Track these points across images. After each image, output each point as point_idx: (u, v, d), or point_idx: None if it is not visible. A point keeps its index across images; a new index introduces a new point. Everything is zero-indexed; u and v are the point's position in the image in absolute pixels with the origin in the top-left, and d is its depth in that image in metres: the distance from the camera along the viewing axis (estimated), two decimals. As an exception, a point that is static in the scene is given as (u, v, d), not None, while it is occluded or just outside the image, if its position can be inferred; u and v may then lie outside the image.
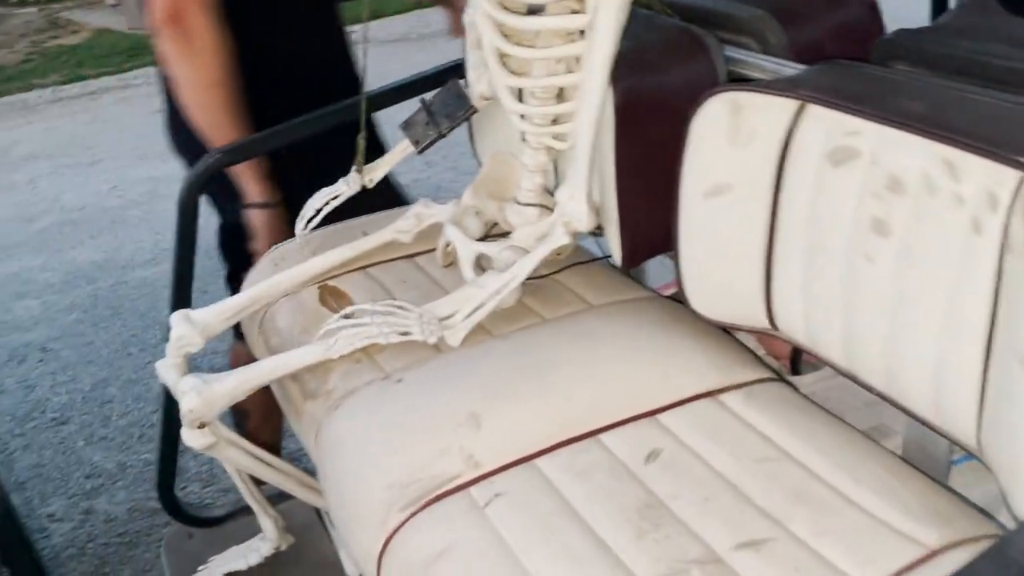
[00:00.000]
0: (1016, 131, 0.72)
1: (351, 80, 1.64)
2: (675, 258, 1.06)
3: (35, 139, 6.06)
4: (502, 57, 1.14)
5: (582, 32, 1.04)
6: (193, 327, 1.25)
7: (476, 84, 1.34)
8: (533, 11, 1.12)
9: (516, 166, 1.40)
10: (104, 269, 3.87)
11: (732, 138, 0.92)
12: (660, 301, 1.26)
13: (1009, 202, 0.68)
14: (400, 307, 1.17)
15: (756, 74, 1.10)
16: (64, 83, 7.40)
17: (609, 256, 1.38)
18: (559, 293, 1.29)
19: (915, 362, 0.81)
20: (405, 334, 1.14)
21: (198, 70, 1.41)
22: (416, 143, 1.39)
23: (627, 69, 1.04)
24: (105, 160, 5.37)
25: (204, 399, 1.09)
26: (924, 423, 0.86)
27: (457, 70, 1.47)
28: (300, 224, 1.45)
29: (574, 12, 1.08)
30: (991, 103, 0.80)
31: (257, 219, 1.52)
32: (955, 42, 0.96)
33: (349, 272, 1.40)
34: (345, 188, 1.44)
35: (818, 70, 0.93)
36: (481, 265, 1.28)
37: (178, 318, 1.25)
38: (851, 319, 0.88)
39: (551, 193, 1.31)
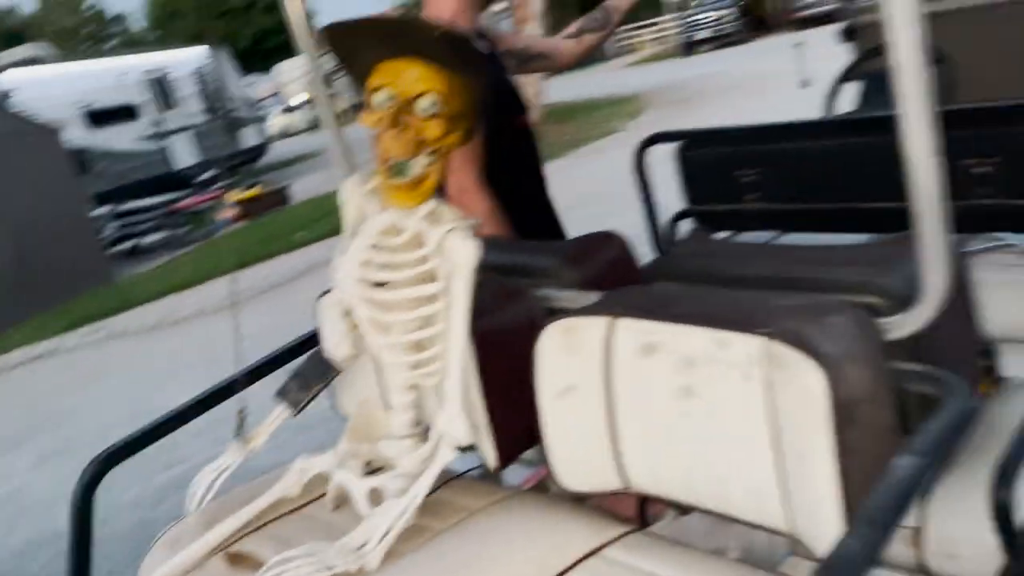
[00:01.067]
0: (753, 314, 1.13)
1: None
2: (542, 448, 1.35)
3: None
4: (371, 321, 1.43)
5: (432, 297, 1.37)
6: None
7: (338, 348, 1.60)
8: (381, 285, 1.44)
9: (378, 411, 1.66)
10: None
11: (568, 351, 1.27)
12: (526, 493, 1.53)
13: (761, 357, 1.07)
14: (318, 549, 1.33)
15: (562, 303, 1.49)
16: None
17: (475, 468, 1.65)
18: (444, 506, 1.51)
19: (736, 479, 1.14)
20: (331, 568, 1.30)
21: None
22: (294, 405, 1.60)
23: (474, 318, 1.37)
24: None
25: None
26: (753, 525, 1.18)
27: (313, 339, 1.73)
28: (192, 503, 1.56)
29: (423, 282, 1.41)
30: (730, 297, 1.23)
31: None
32: (691, 263, 1.42)
33: (247, 535, 1.52)
34: (231, 459, 1.59)
35: (615, 294, 1.32)
36: (374, 498, 1.48)
37: None
38: (683, 462, 1.21)
39: (418, 424, 1.57)
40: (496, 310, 1.45)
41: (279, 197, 12.63)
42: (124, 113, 14.08)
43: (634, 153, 2.37)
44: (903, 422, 1.10)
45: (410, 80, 1.28)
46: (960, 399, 1.03)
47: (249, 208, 12.36)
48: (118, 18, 43.30)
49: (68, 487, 4.76)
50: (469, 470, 1.70)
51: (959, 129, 1.89)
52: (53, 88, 12.85)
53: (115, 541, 3.56)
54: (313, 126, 31.78)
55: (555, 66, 2.53)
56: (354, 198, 1.47)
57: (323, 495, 1.60)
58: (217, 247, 10.62)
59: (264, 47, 36.93)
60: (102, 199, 11.30)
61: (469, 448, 1.50)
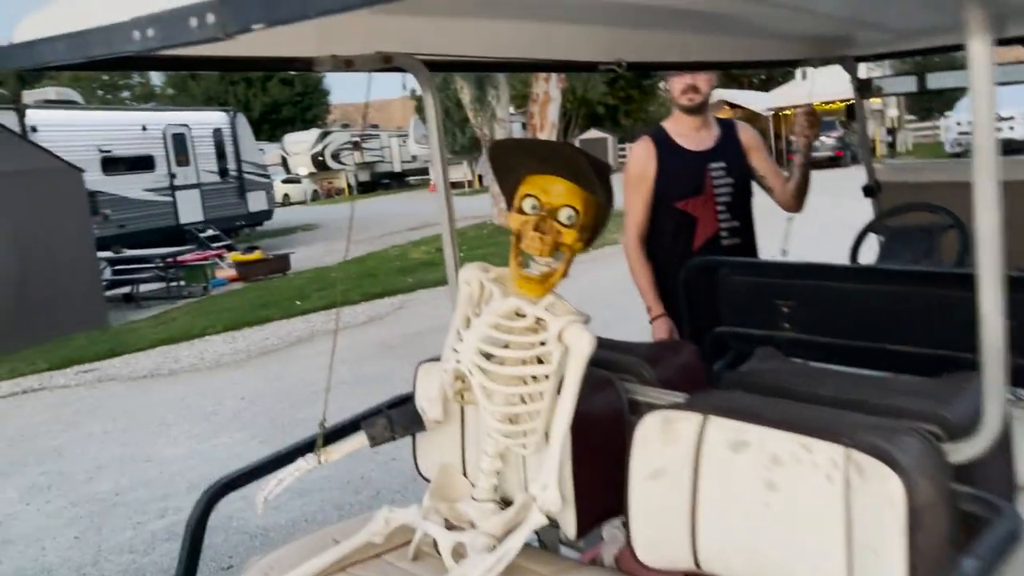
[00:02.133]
0: (833, 426, 1.33)
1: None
2: (625, 523, 1.52)
3: None
4: (481, 387, 1.62)
5: (547, 376, 1.57)
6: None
7: (430, 410, 1.79)
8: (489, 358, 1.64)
9: (457, 475, 1.83)
10: None
11: (664, 440, 1.46)
12: (588, 568, 1.70)
13: (843, 463, 1.27)
14: None
15: (641, 397, 1.70)
16: None
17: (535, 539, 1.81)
18: (515, 569, 1.65)
19: (806, 567, 1.32)
20: (427, 612, 1.45)
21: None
22: (372, 439, 1.78)
23: (571, 400, 1.57)
24: None
25: None
26: None
27: (404, 402, 1.92)
28: (260, 500, 1.71)
29: (535, 363, 1.61)
30: (810, 409, 1.45)
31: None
32: (765, 378, 1.64)
33: (332, 574, 1.66)
34: (305, 465, 1.75)
35: (704, 397, 1.53)
36: (456, 552, 1.63)
37: None
38: (756, 548, 1.38)
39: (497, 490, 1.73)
40: (588, 396, 1.65)
41: (281, 263, 12.81)
42: (140, 163, 14.40)
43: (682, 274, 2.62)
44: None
45: (556, 194, 1.52)
46: (1009, 520, 1.23)
47: (248, 271, 12.51)
48: (137, 70, 44.38)
49: (54, 522, 4.79)
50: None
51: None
52: (75, 130, 13.18)
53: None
54: (313, 198, 32.36)
55: (779, 202, 3.13)
56: (475, 281, 1.68)
57: (402, 545, 1.75)
58: (213, 305, 10.71)
59: (275, 117, 37.84)
60: (104, 244, 11.45)
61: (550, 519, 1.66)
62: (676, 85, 2.94)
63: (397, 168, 36.53)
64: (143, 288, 11.64)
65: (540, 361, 1.61)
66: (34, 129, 12.14)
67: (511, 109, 22.55)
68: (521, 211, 1.55)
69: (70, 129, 13.06)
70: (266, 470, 1.81)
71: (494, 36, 1.90)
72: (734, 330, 2.64)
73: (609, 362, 1.79)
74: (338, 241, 16.66)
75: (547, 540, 1.93)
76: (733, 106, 26.74)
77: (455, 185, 35.68)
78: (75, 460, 5.29)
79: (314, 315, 9.29)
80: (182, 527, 1.74)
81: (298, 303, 9.94)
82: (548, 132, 13.84)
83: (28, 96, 14.53)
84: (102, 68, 1.75)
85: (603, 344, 1.91)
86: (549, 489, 1.54)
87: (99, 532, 4.18)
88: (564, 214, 1.52)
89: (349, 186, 32.66)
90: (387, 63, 1.76)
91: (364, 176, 34.32)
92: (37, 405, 6.79)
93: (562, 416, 1.54)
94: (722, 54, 2.46)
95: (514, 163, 1.55)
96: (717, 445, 1.42)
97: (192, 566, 1.59)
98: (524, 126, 15.56)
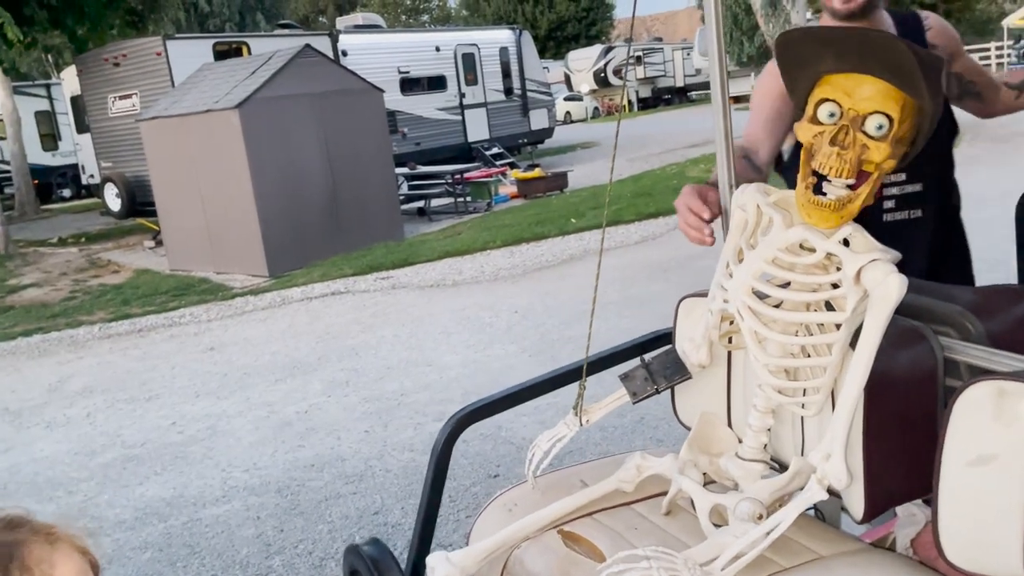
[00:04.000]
0: None
1: None
2: (933, 514, 1.23)
3: (87, 374, 6.23)
4: (753, 334, 1.37)
5: (837, 325, 1.29)
6: (454, 567, 1.38)
7: (694, 354, 1.58)
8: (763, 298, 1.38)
9: (720, 426, 1.61)
10: (174, 506, 3.89)
11: (996, 418, 1.13)
12: (880, 552, 1.41)
13: None
14: (666, 553, 1.31)
15: (964, 358, 1.35)
16: (111, 320, 7.72)
17: (811, 509, 1.55)
18: (786, 543, 1.43)
19: None
20: (677, 578, 1.28)
21: None
22: (634, 394, 1.60)
23: (868, 355, 1.27)
24: (161, 396, 5.53)
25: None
26: None
27: (664, 338, 1.72)
28: (528, 467, 1.62)
29: (810, 307, 1.33)
30: None
31: None
32: None
33: (578, 518, 1.55)
34: (566, 430, 1.63)
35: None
36: (715, 515, 1.44)
37: (439, 559, 1.39)
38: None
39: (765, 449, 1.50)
40: (891, 351, 1.34)
41: (559, 181, 12.98)
42: (433, 83, 15.22)
43: (1017, 206, 2.08)
44: None
45: (863, 98, 1.20)
46: None
47: (528, 188, 12.84)
48: (438, -6, 47.12)
49: (349, 415, 5.22)
50: (812, 508, 1.61)
51: None
52: (378, 53, 14.19)
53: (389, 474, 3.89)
54: (592, 115, 32.41)
55: (983, 112, 2.07)
56: (752, 205, 1.42)
57: (653, 496, 1.59)
58: (495, 220, 11.13)
59: (560, 34, 38.18)
60: (400, 160, 12.30)
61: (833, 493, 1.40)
62: None
63: (679, 83, 35.38)
64: (433, 203, 12.39)
65: (830, 307, 1.33)
66: (344, 53, 13.22)
67: (808, 14, 20.57)
68: (815, 120, 1.24)
69: (374, 52, 14.07)
70: (512, 401, 1.72)
71: None
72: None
73: (921, 310, 1.45)
74: (616, 159, 16.51)
75: (825, 511, 1.67)
76: None
77: (739, 99, 33.73)
78: (369, 360, 5.78)
79: (588, 233, 9.32)
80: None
81: (573, 221, 10.01)
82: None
83: (340, 22, 15.86)
84: None
85: (914, 287, 1.55)
86: (834, 460, 1.28)
87: (385, 428, 4.53)
88: (872, 123, 1.19)
89: (629, 102, 32.22)
90: None
91: (645, 92, 33.65)
92: (342, 307, 7.53)
93: (855, 375, 1.25)
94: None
95: (809, 58, 1.24)
96: (1077, 434, 1.07)
97: (437, 492, 1.57)
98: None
